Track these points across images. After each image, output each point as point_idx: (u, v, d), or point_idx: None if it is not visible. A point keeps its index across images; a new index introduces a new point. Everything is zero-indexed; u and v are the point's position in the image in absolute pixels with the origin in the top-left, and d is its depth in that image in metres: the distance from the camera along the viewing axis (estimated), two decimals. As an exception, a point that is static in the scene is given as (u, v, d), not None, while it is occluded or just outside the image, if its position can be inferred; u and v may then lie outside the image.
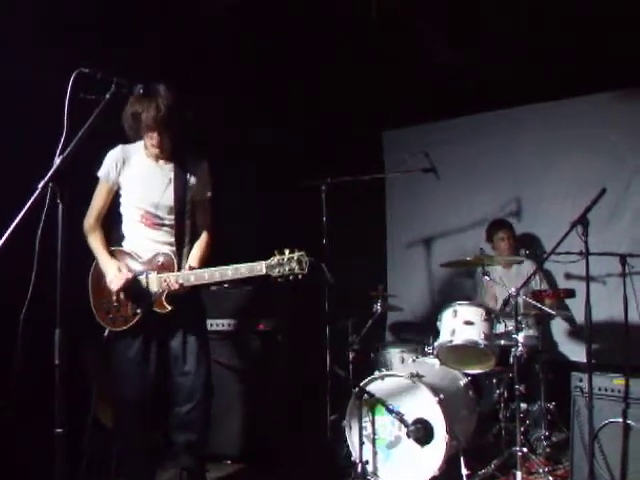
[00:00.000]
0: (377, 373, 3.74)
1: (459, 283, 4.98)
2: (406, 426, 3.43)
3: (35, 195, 1.96)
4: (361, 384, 3.65)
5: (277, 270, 2.66)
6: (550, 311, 3.84)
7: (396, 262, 5.84)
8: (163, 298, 2.94)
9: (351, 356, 4.12)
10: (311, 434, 4.16)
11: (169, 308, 2.93)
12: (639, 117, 4.53)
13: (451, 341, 3.89)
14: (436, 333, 4.15)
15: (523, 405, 3.78)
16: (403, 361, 4.31)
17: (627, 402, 3.36)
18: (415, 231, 5.66)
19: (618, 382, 3.56)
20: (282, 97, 4.72)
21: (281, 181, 4.95)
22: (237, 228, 4.33)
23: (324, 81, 4.83)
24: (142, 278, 2.96)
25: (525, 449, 3.43)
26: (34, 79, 3.20)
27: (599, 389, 3.54)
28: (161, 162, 3.06)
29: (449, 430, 3.34)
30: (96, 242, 3.04)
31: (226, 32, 4.23)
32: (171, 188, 3.03)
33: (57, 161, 2.02)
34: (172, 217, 3.04)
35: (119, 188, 3.06)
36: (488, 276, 4.03)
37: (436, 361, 3.98)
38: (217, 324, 4.08)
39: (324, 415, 3.99)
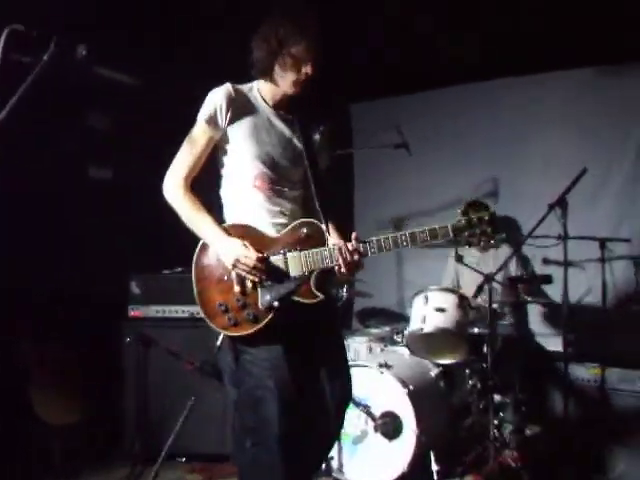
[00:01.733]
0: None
1: (431, 267, 4.98)
2: (373, 420, 3.46)
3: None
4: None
5: (466, 233, 2.29)
6: (526, 298, 3.88)
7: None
8: (312, 283, 2.31)
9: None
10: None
11: (320, 296, 2.30)
12: (623, 96, 4.55)
13: (421, 329, 3.91)
14: (406, 320, 4.16)
15: (497, 397, 3.82)
16: (371, 350, 4.33)
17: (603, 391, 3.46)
18: (385, 211, 5.63)
19: (594, 372, 3.65)
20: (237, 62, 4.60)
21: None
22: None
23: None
24: (277, 259, 2.32)
25: (498, 443, 3.47)
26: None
27: (576, 379, 3.62)
28: (282, 112, 2.49)
29: (419, 424, 3.38)
30: (197, 210, 2.35)
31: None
32: (294, 146, 2.47)
33: (-14, 131, 1.92)
34: (292, 183, 2.47)
35: (224, 140, 2.42)
36: (461, 261, 4.04)
37: (406, 350, 4.02)
38: (172, 310, 4.03)
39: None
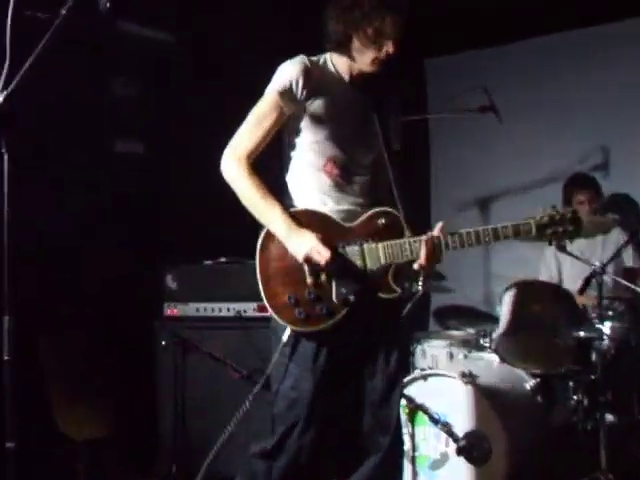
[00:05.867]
0: (418, 372, 3.73)
1: (525, 257, 4.90)
2: (455, 441, 3.43)
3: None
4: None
5: (550, 230, 2.54)
6: (645, 294, 3.78)
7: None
8: (390, 277, 2.55)
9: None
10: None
11: (399, 291, 2.56)
12: None
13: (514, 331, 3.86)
14: (495, 321, 4.11)
15: (609, 416, 3.73)
16: (452, 357, 4.31)
17: None
18: (468, 188, 5.61)
19: None
20: (298, 12, 4.60)
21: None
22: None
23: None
24: (353, 250, 2.55)
25: (611, 475, 3.40)
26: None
27: None
28: (358, 90, 2.66)
29: (510, 446, 3.34)
30: (263, 195, 2.52)
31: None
32: (370, 128, 2.65)
33: (-1, 99, 1.99)
34: (362, 168, 2.68)
35: (296, 118, 2.60)
36: (563, 249, 3.95)
37: (495, 357, 3.98)
38: (215, 309, 4.07)
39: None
